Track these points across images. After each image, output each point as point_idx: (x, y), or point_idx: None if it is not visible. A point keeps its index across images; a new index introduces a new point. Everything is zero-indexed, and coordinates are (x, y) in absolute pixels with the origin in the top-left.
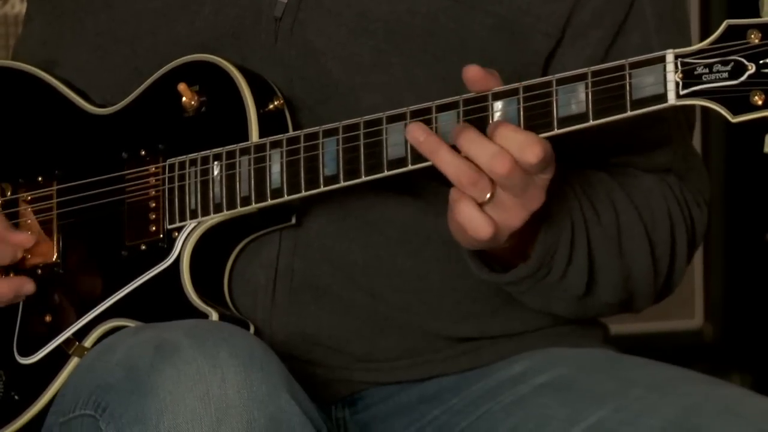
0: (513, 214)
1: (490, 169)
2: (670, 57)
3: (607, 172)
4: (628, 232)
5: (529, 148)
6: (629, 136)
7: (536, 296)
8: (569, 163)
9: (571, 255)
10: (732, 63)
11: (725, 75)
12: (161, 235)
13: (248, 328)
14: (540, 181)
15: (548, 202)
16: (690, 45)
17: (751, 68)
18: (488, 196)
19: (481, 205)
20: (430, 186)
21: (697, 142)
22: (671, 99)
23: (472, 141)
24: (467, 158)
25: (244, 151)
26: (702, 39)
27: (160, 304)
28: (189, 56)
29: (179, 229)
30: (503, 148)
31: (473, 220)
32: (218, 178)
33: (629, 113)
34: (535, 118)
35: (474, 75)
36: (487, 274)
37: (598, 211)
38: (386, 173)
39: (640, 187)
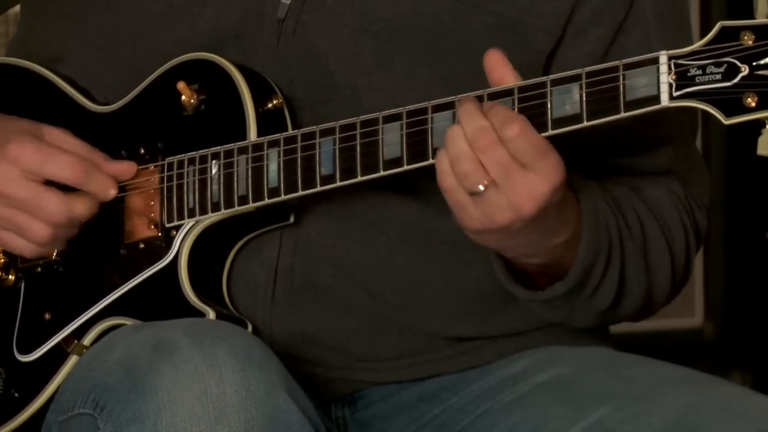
0: (498, 211)
1: (473, 141)
2: (663, 58)
3: (616, 184)
4: (652, 244)
5: (509, 122)
6: (631, 134)
7: (561, 312)
8: (571, 164)
9: (606, 272)
10: (725, 65)
11: (718, 77)
12: (160, 234)
13: (246, 327)
14: (531, 183)
15: (585, 218)
16: (691, 44)
17: (744, 70)
18: (481, 188)
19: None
20: (430, 186)
21: (697, 141)
22: (664, 100)
23: (465, 113)
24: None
25: (242, 150)
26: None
27: (159, 302)
28: (188, 54)
29: (177, 228)
30: (490, 124)
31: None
32: (216, 176)
33: (623, 114)
34: (530, 119)
35: (496, 58)
36: (523, 292)
37: (629, 225)
38: (382, 173)
39: (650, 199)
